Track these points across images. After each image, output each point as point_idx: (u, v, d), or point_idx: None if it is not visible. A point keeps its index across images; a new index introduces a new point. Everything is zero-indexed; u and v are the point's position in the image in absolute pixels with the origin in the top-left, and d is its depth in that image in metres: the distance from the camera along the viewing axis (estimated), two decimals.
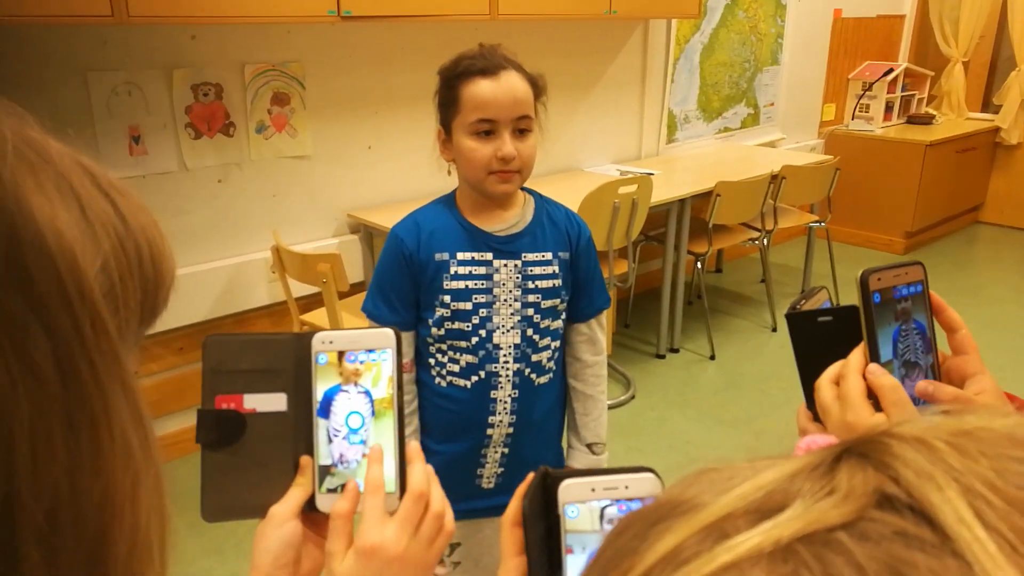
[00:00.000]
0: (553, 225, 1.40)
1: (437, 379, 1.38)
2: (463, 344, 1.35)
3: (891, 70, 5.17)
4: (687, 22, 3.99)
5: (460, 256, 1.34)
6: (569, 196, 2.94)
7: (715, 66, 4.28)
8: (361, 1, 2.42)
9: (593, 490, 0.51)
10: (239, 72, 2.60)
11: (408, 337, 1.39)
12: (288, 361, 0.70)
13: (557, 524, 0.51)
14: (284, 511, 0.67)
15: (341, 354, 0.69)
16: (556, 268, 1.38)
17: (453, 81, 1.30)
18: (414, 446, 0.69)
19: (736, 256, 4.90)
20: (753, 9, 4.37)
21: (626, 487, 0.51)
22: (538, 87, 1.34)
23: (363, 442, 0.69)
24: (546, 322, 1.38)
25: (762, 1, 4.40)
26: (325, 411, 0.69)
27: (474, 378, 1.36)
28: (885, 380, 0.65)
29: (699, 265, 3.69)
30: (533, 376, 1.39)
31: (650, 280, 4.27)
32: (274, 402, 0.70)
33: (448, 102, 1.31)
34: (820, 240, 4.38)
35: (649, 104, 4.04)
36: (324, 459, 0.69)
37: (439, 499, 0.67)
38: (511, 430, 1.39)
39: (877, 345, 0.67)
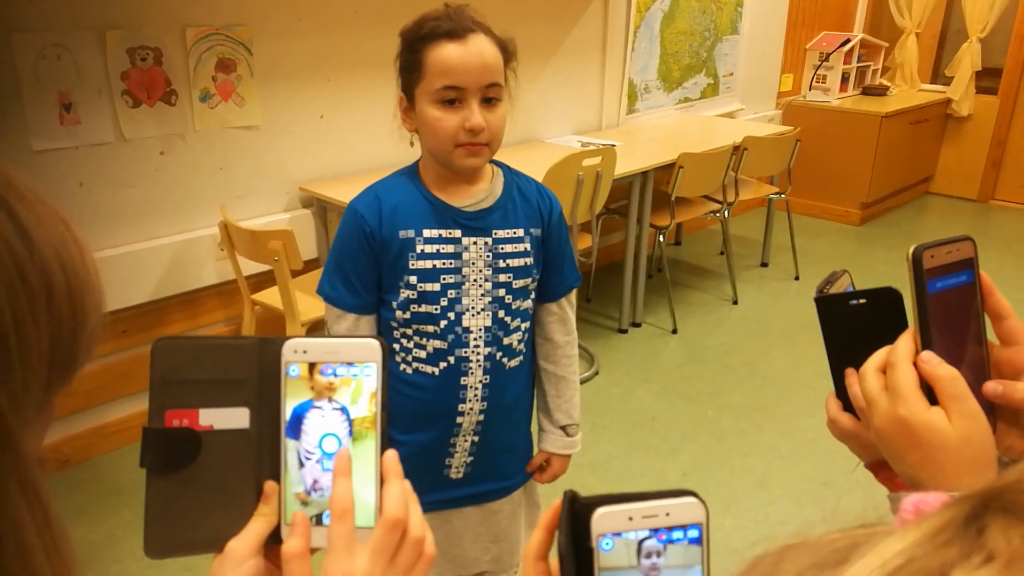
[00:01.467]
0: (524, 200, 1.31)
1: (402, 366, 1.29)
2: (431, 328, 1.26)
3: (847, 40, 5.17)
4: None
5: (426, 233, 1.24)
6: (531, 168, 2.84)
7: (676, 35, 4.20)
8: None
9: (631, 519, 0.45)
10: (180, 35, 2.43)
11: (370, 321, 1.29)
12: (251, 370, 0.60)
13: (589, 558, 0.44)
14: (244, 546, 0.57)
15: (313, 366, 0.60)
16: (528, 245, 1.29)
17: (416, 44, 1.19)
18: (390, 457, 0.60)
19: (695, 228, 4.88)
20: None
21: (667, 514, 0.45)
22: (508, 52, 1.24)
23: None
24: (517, 303, 1.30)
25: None
26: (295, 431, 0.60)
27: (443, 364, 1.27)
28: (942, 370, 0.57)
29: (660, 238, 3.64)
30: (504, 360, 1.31)
31: (611, 254, 4.22)
32: (235, 418, 0.60)
33: (411, 67, 1.21)
34: (779, 212, 4.37)
35: (610, 73, 3.95)
36: (295, 486, 0.60)
37: (418, 523, 0.58)
38: (481, 417, 1.31)
39: (930, 330, 0.60)
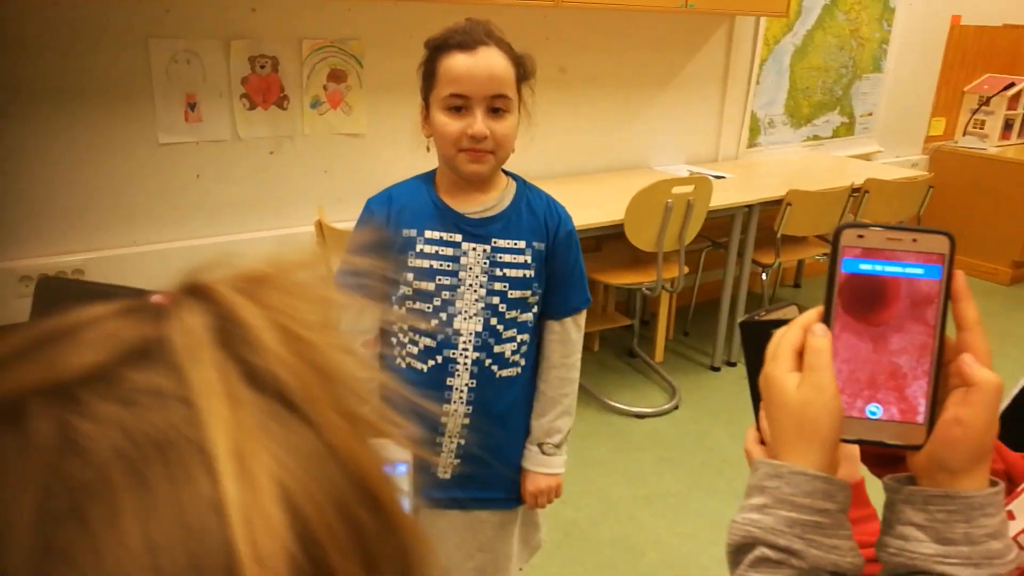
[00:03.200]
0: (531, 213, 1.33)
1: (397, 359, 1.35)
2: (422, 326, 1.30)
3: (1012, 84, 4.75)
4: (778, 22, 3.78)
5: (428, 234, 1.29)
6: (622, 192, 2.84)
7: (807, 70, 4.04)
8: None
9: None
10: (297, 47, 2.64)
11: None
12: None
13: None
14: None
15: None
16: (528, 258, 1.31)
17: (433, 54, 1.26)
18: None
19: (818, 272, 4.64)
20: (856, 11, 4.10)
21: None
22: (523, 68, 1.27)
23: None
24: (513, 313, 1.32)
25: (866, 3, 4.13)
26: None
27: (431, 362, 1.31)
28: (813, 341, 0.58)
29: (764, 276, 3.50)
30: (494, 368, 1.33)
31: (716, 289, 4.09)
32: None
33: (427, 75, 1.27)
34: None
35: (730, 105, 3.86)
36: None
37: None
38: (467, 421, 1.33)
39: (832, 306, 0.59)
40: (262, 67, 2.60)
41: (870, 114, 4.46)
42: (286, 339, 0.25)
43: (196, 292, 0.26)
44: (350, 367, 0.27)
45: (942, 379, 0.59)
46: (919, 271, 0.59)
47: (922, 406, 0.59)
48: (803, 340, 0.59)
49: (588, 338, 3.58)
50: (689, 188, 2.83)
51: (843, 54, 4.15)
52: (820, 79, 4.12)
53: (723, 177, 3.49)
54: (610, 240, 3.20)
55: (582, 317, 1.41)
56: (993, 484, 0.56)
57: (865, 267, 0.60)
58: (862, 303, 0.60)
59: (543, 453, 1.41)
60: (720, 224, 3.39)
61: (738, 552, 0.57)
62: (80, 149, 2.39)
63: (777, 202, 3.24)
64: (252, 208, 2.73)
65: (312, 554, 0.22)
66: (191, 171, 2.58)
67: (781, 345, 0.60)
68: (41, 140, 2.33)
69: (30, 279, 2.37)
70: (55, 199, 2.38)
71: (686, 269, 3.11)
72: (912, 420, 0.59)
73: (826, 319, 0.60)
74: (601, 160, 3.46)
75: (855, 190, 3.42)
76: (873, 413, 0.60)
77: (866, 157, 4.47)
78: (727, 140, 3.94)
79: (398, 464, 0.55)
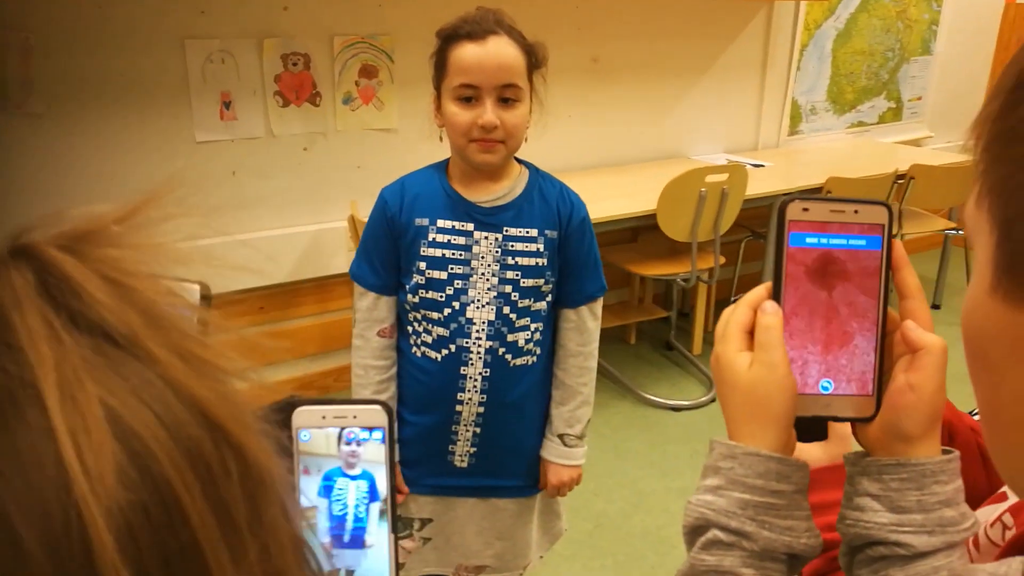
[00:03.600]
0: (543, 201, 1.33)
1: (413, 348, 1.36)
2: (435, 315, 1.31)
3: None
4: (819, 5, 3.69)
5: (440, 223, 1.30)
6: (656, 183, 2.81)
7: (851, 54, 3.94)
8: None
9: (323, 417, 0.53)
10: (328, 43, 2.68)
11: (390, 302, 1.37)
12: None
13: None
14: None
15: None
16: (541, 246, 1.31)
17: (443, 44, 1.27)
18: None
19: None
20: None
21: (354, 416, 0.53)
22: (534, 56, 1.27)
23: None
24: (526, 302, 1.32)
25: None
26: None
27: (444, 351, 1.32)
28: (764, 319, 0.57)
29: None
30: (508, 356, 1.33)
31: (757, 280, 4.02)
32: None
33: (438, 65, 1.28)
34: (958, 248, 3.95)
35: (770, 92, 3.78)
36: None
37: None
38: (482, 409, 1.34)
39: (781, 282, 0.58)
40: (294, 64, 2.64)
41: (919, 98, 4.32)
42: (108, 287, 0.27)
43: (19, 252, 0.27)
44: (174, 309, 0.29)
45: (887, 349, 0.58)
46: (861, 243, 0.59)
47: (870, 377, 0.58)
48: (751, 319, 0.58)
49: (624, 330, 3.56)
50: (723, 177, 2.78)
51: (889, 37, 4.03)
52: (865, 63, 4.01)
53: (762, 165, 3.43)
54: (646, 231, 3.17)
55: (598, 305, 1.40)
56: (946, 452, 0.54)
57: (811, 240, 0.59)
58: (810, 277, 0.59)
59: (565, 445, 1.40)
60: (760, 214, 3.33)
61: (692, 534, 0.56)
62: (120, 148, 2.46)
63: (817, 190, 3.16)
64: (288, 203, 2.77)
65: (143, 465, 0.24)
66: (227, 168, 2.64)
67: (730, 324, 0.59)
68: (82, 139, 2.41)
69: None
70: (95, 197, 2.46)
71: (722, 260, 3.06)
72: (863, 392, 0.58)
73: (775, 296, 0.59)
74: (638, 150, 3.43)
75: (900, 176, 3.32)
76: (825, 388, 0.59)
77: (915, 143, 4.34)
78: (767, 128, 3.86)
79: (374, 430, 0.56)
